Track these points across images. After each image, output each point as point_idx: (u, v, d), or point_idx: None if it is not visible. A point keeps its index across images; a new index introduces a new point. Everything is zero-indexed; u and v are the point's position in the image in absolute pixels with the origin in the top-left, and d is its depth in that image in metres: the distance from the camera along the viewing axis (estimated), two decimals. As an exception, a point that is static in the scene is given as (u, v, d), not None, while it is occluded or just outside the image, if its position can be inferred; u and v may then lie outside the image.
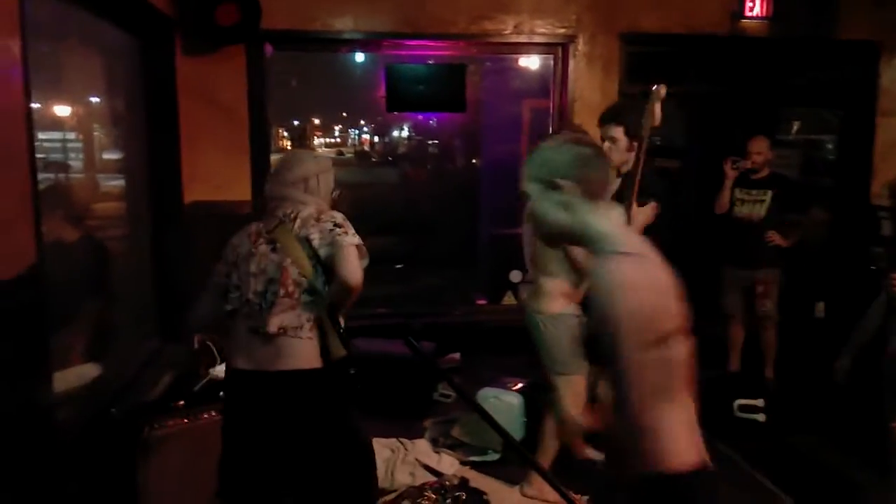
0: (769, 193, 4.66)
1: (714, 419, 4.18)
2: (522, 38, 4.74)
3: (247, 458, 2.44)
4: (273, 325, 2.35)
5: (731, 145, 4.97)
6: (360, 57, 5.89)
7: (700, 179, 5.91)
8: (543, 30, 4.74)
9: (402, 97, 4.77)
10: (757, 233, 4.66)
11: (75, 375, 3.14)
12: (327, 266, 2.40)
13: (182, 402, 2.96)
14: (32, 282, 2.11)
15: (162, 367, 3.60)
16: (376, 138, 26.37)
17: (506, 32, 4.70)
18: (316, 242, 2.41)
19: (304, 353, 2.38)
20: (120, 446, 2.71)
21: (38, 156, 3.63)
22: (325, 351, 2.40)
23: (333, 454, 2.47)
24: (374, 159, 23.20)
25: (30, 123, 2.17)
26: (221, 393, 2.82)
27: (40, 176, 3.46)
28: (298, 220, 2.45)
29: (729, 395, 4.38)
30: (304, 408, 2.39)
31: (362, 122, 27.54)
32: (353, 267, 2.36)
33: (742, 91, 6.04)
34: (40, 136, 3.52)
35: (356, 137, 29.16)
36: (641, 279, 1.46)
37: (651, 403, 1.45)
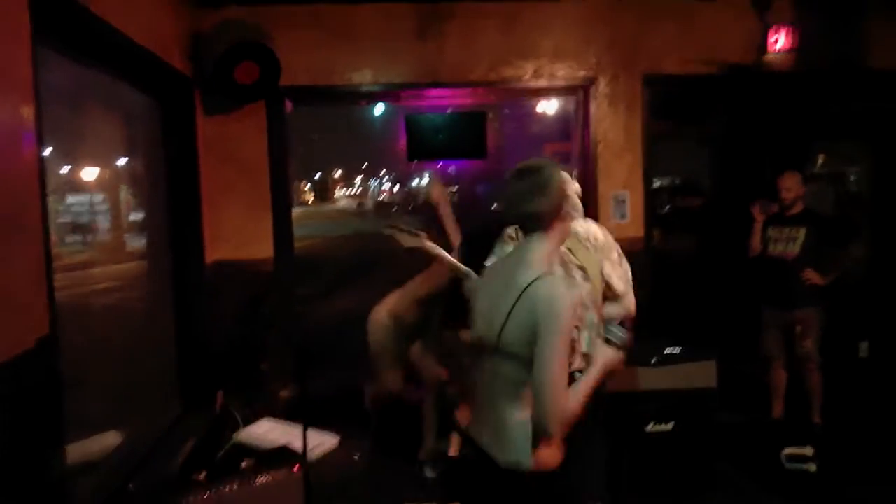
0: (802, 230, 4.50)
1: (761, 470, 4.03)
2: (542, 83, 4.69)
3: None
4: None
5: (761, 182, 4.84)
6: (380, 107, 5.88)
7: (729, 218, 5.76)
8: (564, 73, 4.69)
9: (423, 146, 4.72)
10: (793, 271, 4.49)
11: (93, 445, 3.03)
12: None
13: (203, 474, 2.82)
14: (45, 354, 2.03)
15: (183, 433, 3.49)
16: (396, 188, 26.65)
17: (525, 77, 4.65)
18: (614, 280, 2.78)
19: None
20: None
21: (64, 220, 3.68)
22: None
23: None
24: (394, 209, 23.37)
25: (43, 191, 2.12)
26: (244, 463, 2.70)
27: (68, 238, 3.49)
28: (599, 251, 2.77)
29: (775, 444, 4.17)
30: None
31: (382, 173, 27.86)
32: (633, 298, 2.88)
33: (770, 126, 5.93)
34: (69, 199, 3.57)
35: (376, 188, 29.44)
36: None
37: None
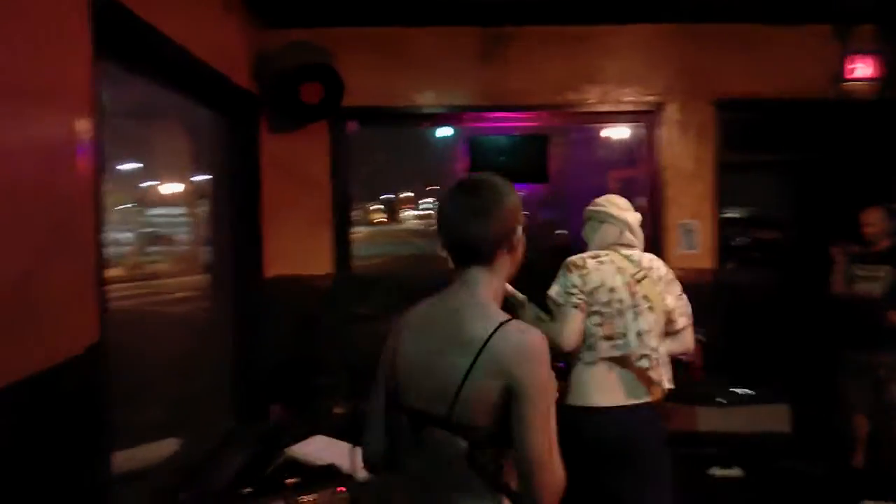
0: (887, 269, 4.21)
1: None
2: (608, 108, 4.59)
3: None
4: (661, 375, 2.63)
5: (842, 215, 4.58)
6: (445, 130, 5.89)
7: (808, 252, 5.47)
8: (630, 98, 4.58)
9: (485, 169, 4.65)
10: (876, 312, 4.20)
11: (146, 454, 3.07)
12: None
13: (249, 490, 2.81)
14: (93, 360, 2.05)
15: (236, 446, 3.50)
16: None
17: (590, 102, 4.56)
18: (676, 315, 2.71)
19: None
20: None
21: (148, 230, 3.82)
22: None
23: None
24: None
25: (98, 203, 2.16)
26: (290, 481, 2.67)
27: (148, 249, 3.63)
28: (662, 283, 2.71)
29: (854, 497, 3.88)
30: (654, 436, 2.61)
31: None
32: (692, 336, 2.79)
33: (852, 157, 5.63)
34: (149, 211, 3.72)
35: (444, 210, 29.55)
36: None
37: None
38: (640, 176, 4.88)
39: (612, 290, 2.64)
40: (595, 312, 2.64)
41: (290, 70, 3.94)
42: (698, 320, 4.53)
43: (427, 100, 4.52)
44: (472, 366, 1.42)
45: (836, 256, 4.37)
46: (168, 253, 3.90)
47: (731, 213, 7.53)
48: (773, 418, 3.49)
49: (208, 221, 4.04)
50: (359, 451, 3.01)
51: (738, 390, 3.56)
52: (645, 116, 4.69)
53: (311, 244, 4.44)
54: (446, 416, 1.44)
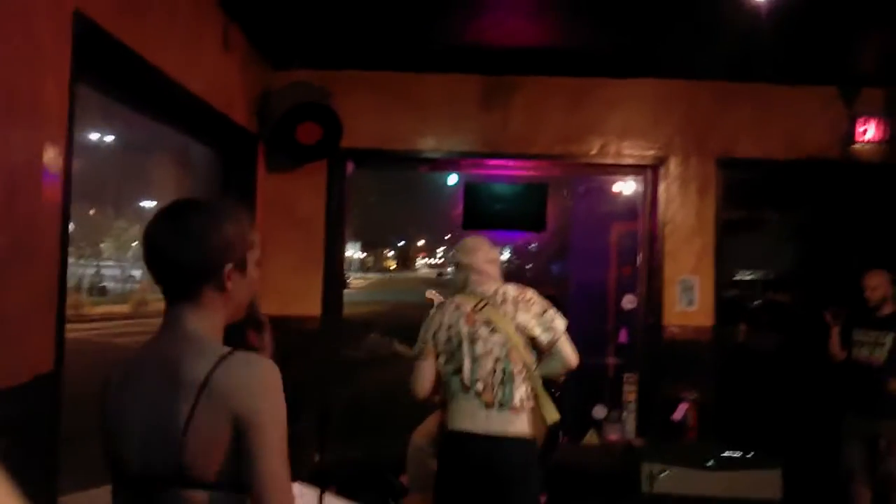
0: (890, 336, 4.07)
1: None
2: (609, 160, 4.56)
3: None
4: (515, 399, 2.71)
5: (848, 278, 4.47)
6: (451, 178, 5.89)
7: (815, 315, 5.34)
8: (631, 151, 4.54)
9: (480, 215, 4.64)
10: (879, 379, 4.04)
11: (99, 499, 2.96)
12: (545, 347, 2.79)
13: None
14: (42, 390, 1.99)
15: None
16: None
17: (591, 153, 4.53)
18: (535, 331, 2.76)
19: (526, 421, 2.75)
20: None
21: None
22: (541, 418, 2.79)
23: None
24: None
25: (64, 229, 2.13)
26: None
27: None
28: (509, 304, 2.79)
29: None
30: (521, 470, 2.69)
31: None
32: (570, 351, 2.78)
33: (858, 219, 5.53)
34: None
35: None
36: None
37: None
38: (640, 229, 4.81)
39: (449, 327, 2.82)
40: (441, 353, 2.83)
41: (286, 109, 3.96)
42: (694, 380, 4.41)
43: (426, 144, 4.52)
44: (192, 410, 1.24)
45: (830, 321, 4.25)
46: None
47: (746, 276, 7.44)
48: (764, 484, 3.34)
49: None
50: (333, 500, 2.92)
51: (729, 453, 3.42)
52: (646, 170, 4.65)
53: (301, 284, 4.39)
54: (176, 472, 1.25)
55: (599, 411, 4.90)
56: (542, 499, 4.29)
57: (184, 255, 1.32)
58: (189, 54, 3.13)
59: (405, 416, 3.82)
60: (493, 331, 2.76)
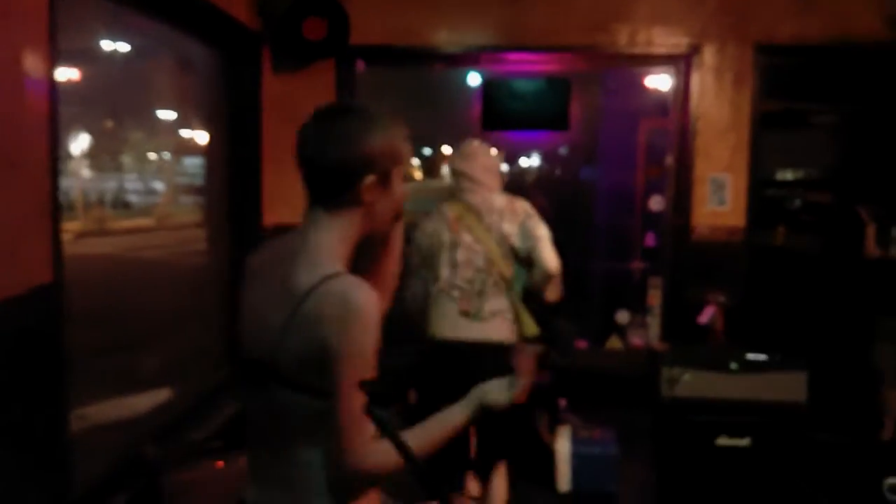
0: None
1: (857, 499, 3.51)
2: (638, 50, 4.23)
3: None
4: (487, 310, 2.76)
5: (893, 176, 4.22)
6: (470, 76, 5.59)
7: (850, 214, 5.10)
8: (663, 40, 4.21)
9: (501, 114, 4.38)
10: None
11: (132, 404, 2.98)
12: (524, 255, 2.80)
13: (221, 443, 2.69)
14: (40, 303, 1.90)
15: (225, 399, 3.39)
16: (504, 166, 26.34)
17: (619, 44, 4.21)
18: (516, 240, 2.78)
19: (505, 330, 2.80)
20: (146, 492, 2.47)
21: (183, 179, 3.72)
22: (520, 329, 2.84)
23: (514, 435, 2.90)
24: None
25: (55, 133, 1.99)
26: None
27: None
28: (495, 214, 2.81)
29: (878, 471, 3.63)
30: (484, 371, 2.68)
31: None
32: (550, 255, 2.77)
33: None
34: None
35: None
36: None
37: None
38: (671, 126, 4.54)
39: (430, 234, 2.89)
40: (423, 258, 2.91)
41: (291, 3, 3.69)
42: (722, 283, 4.26)
43: (441, 38, 4.22)
44: (288, 320, 1.25)
45: (866, 218, 4.06)
46: (196, 204, 3.93)
47: (787, 175, 7.13)
48: (790, 386, 3.25)
49: (205, 166, 3.88)
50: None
51: (753, 356, 3.32)
52: (678, 60, 4.32)
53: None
54: (272, 367, 1.28)
55: (622, 316, 4.81)
56: (562, 403, 4.28)
57: (322, 159, 1.33)
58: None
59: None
60: (477, 241, 2.80)
